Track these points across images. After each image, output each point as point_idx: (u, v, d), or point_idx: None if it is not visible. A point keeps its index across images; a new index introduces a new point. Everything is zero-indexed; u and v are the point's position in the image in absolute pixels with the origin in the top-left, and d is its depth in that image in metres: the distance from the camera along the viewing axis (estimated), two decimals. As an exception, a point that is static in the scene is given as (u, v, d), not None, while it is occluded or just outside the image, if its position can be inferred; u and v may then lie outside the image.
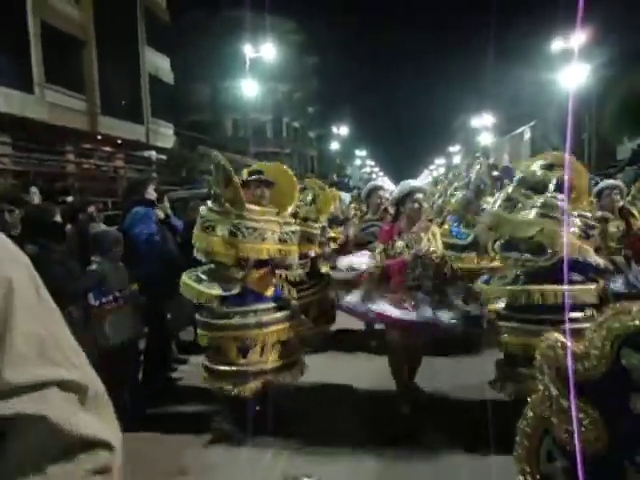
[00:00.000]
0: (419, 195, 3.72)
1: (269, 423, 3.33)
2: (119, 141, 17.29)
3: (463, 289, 3.58)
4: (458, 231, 4.92)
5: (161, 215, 4.13)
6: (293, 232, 3.62)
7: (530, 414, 1.40)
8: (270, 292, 3.54)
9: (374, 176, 64.02)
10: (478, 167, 5.79)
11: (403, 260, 3.54)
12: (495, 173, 5.36)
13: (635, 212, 4.70)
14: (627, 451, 1.25)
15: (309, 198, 4.79)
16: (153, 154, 19.77)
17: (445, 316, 3.39)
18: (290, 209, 3.78)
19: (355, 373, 4.35)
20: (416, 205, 3.67)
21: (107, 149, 17.14)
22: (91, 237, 3.70)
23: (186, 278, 3.38)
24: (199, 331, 3.56)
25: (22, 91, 12.78)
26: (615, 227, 4.25)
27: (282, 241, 3.50)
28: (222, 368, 3.38)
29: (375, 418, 3.63)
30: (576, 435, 1.27)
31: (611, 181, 4.98)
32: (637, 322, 1.23)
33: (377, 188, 5.23)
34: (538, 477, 1.38)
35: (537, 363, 1.42)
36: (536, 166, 3.49)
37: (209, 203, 3.51)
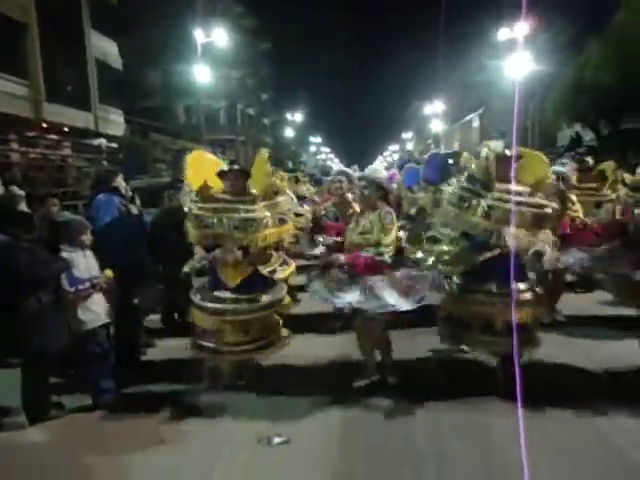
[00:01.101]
0: (363, 182, 3.88)
1: (244, 393, 3.72)
2: (66, 129, 16.66)
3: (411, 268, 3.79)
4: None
5: (135, 211, 4.22)
6: (251, 219, 3.67)
7: None
8: (235, 278, 3.71)
9: (329, 163, 64.32)
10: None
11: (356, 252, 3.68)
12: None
13: (573, 198, 5.14)
14: None
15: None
16: (103, 142, 19.16)
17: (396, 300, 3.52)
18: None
19: (322, 349, 4.63)
20: (365, 192, 3.83)
21: (53, 137, 16.49)
22: (59, 225, 3.72)
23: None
24: (194, 311, 3.80)
25: (-40, 76, 12.13)
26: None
27: (237, 228, 3.64)
28: (210, 345, 3.70)
29: (340, 386, 3.90)
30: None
31: (557, 168, 5.31)
32: None
33: (340, 173, 5.35)
34: None
35: None
36: (481, 162, 3.72)
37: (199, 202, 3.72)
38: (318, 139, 65.37)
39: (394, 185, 5.70)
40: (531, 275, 4.06)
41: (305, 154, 58.69)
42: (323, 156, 68.23)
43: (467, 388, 3.75)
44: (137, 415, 3.56)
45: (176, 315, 5.47)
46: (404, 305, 3.48)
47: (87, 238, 3.64)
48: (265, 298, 3.76)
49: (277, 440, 3.17)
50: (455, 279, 3.90)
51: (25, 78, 14.89)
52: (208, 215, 3.62)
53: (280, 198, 3.87)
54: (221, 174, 3.80)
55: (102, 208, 3.95)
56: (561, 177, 4.93)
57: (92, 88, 18.22)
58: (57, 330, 3.38)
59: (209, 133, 29.32)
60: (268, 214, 3.67)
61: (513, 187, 3.52)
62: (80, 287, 3.48)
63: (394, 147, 68.13)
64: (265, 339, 3.82)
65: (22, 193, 5.52)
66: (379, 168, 4.42)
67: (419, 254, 5.29)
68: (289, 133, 48.50)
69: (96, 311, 3.58)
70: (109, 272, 3.68)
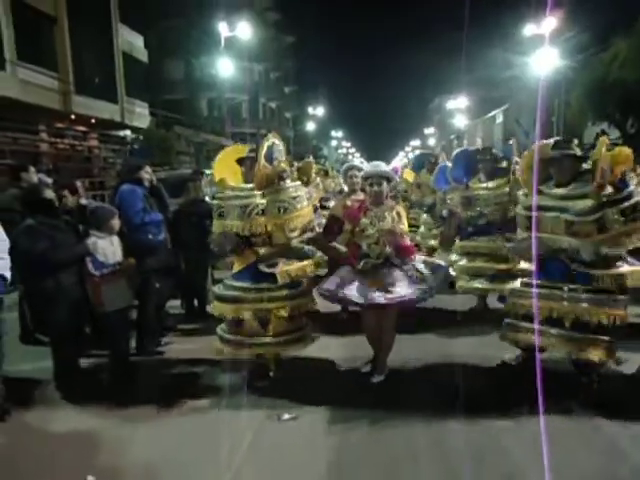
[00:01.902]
0: (379, 179, 3.85)
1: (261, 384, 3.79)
2: (93, 121, 17.10)
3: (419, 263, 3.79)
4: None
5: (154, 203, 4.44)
6: (287, 200, 3.68)
7: None
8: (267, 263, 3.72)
9: (350, 157, 64.20)
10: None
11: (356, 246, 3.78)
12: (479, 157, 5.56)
13: None
14: None
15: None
16: (128, 133, 19.60)
17: (406, 291, 3.59)
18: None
19: (334, 346, 4.67)
20: (375, 188, 3.83)
21: (81, 129, 16.95)
22: (88, 212, 3.96)
23: None
24: (215, 303, 3.85)
25: (-7, 68, 12.58)
26: None
27: (248, 215, 3.62)
28: (236, 338, 3.75)
29: (349, 380, 3.96)
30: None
31: None
32: None
33: (352, 167, 5.32)
34: None
35: None
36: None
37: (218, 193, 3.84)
38: (339, 133, 65.28)
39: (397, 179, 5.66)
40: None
41: (326, 148, 58.74)
42: (344, 150, 68.17)
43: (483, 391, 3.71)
44: (149, 394, 3.75)
45: (196, 302, 5.69)
46: (412, 293, 3.57)
47: (115, 224, 3.86)
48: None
49: (286, 417, 3.34)
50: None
51: (55, 70, 15.31)
52: (222, 205, 3.71)
53: (288, 185, 3.75)
54: (239, 161, 3.94)
55: (126, 198, 4.16)
56: None
57: (119, 81, 18.61)
58: (78, 310, 3.62)
59: (231, 126, 29.65)
60: (263, 201, 3.62)
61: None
62: (105, 271, 3.69)
63: (416, 142, 67.62)
64: (290, 334, 3.82)
65: (49, 180, 5.80)
66: (380, 163, 4.28)
67: (453, 256, 5.34)
68: (310, 127, 48.55)
69: (119, 294, 3.79)
70: (133, 260, 3.88)
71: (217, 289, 3.91)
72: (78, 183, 4.49)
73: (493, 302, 5.34)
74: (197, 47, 29.77)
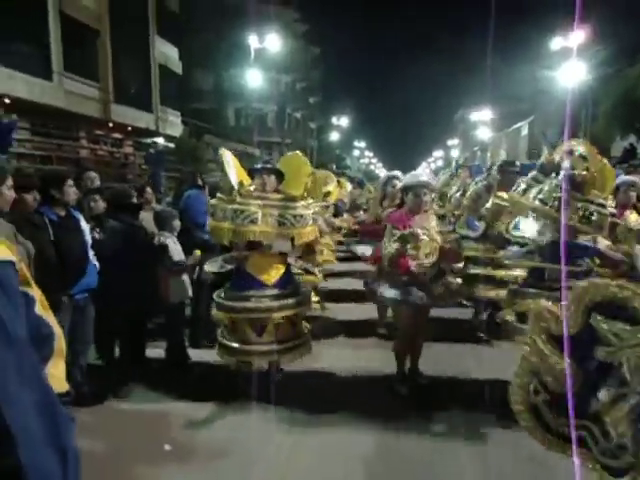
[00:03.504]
0: (422, 189, 3.91)
1: (276, 397, 3.70)
2: (129, 128, 17.84)
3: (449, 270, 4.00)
4: (472, 222, 5.22)
5: None
6: (296, 216, 3.65)
7: (523, 362, 1.88)
8: (271, 276, 3.69)
9: (372, 167, 64.49)
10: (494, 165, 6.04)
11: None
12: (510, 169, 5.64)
13: None
14: (592, 387, 1.69)
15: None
16: (160, 141, 20.31)
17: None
18: (298, 192, 3.80)
19: (364, 359, 4.71)
20: (417, 199, 3.89)
21: (118, 136, 17.70)
22: (154, 215, 4.38)
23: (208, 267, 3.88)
24: (215, 311, 3.82)
25: (42, 79, 13.33)
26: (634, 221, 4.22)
27: (281, 224, 3.59)
28: (235, 345, 3.70)
29: (376, 397, 3.94)
30: (568, 378, 1.70)
31: (629, 177, 4.91)
32: (599, 296, 1.71)
33: (394, 177, 5.36)
34: (526, 406, 1.87)
35: (530, 323, 1.85)
36: (557, 153, 3.68)
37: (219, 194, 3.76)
38: (362, 144, 65.71)
39: None
40: None
41: (349, 158, 59.15)
42: (366, 160, 68.53)
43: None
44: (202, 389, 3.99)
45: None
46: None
47: (177, 224, 4.28)
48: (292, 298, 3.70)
49: None
50: None
51: (96, 80, 16.09)
52: (222, 207, 3.58)
53: (300, 203, 3.74)
54: (251, 172, 3.84)
55: (193, 201, 4.61)
56: (634, 186, 4.55)
57: (154, 91, 19.37)
58: (147, 302, 4.02)
59: (258, 135, 30.31)
60: (267, 212, 3.57)
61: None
62: (174, 267, 4.13)
63: (439, 153, 67.62)
64: (291, 341, 3.75)
65: (97, 176, 6.13)
66: (420, 172, 4.42)
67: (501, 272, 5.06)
68: (334, 137, 49.10)
69: (182, 287, 4.21)
70: (198, 252, 4.28)
71: (216, 296, 3.82)
72: (148, 189, 4.92)
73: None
74: (226, 59, 30.57)
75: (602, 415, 1.66)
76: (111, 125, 16.96)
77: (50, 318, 1.16)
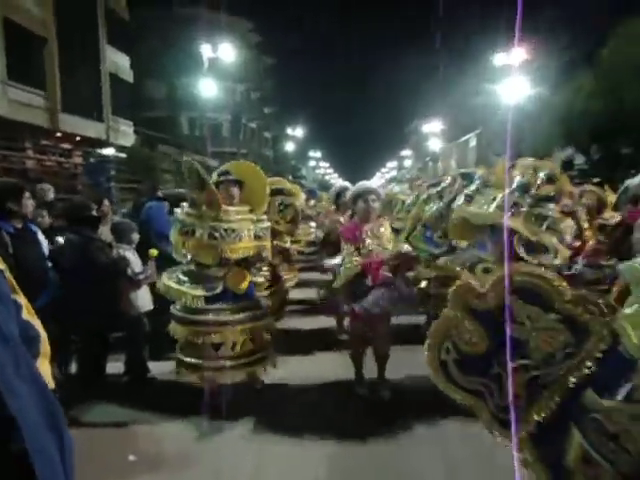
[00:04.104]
0: (370, 195, 3.99)
1: (239, 412, 3.65)
2: (78, 138, 17.32)
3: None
4: (430, 239, 5.14)
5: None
6: (266, 228, 3.76)
7: (439, 325, 2.08)
8: (244, 287, 3.67)
9: (327, 177, 65.11)
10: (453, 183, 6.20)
11: (382, 259, 3.81)
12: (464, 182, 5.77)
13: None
14: (497, 354, 1.94)
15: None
16: (112, 152, 19.82)
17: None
18: (263, 207, 3.85)
19: (326, 366, 4.75)
20: (365, 205, 3.95)
21: (66, 146, 17.15)
22: (112, 227, 4.33)
23: (167, 280, 3.56)
24: (173, 325, 3.70)
25: (-16, 87, 12.80)
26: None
27: (257, 237, 3.64)
28: (195, 361, 3.58)
29: (339, 403, 4.00)
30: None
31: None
32: (518, 279, 1.94)
33: (345, 189, 5.42)
34: (438, 363, 2.06)
35: (452, 294, 2.05)
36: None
37: (185, 208, 3.63)
38: (318, 154, 66.30)
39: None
40: None
41: (304, 168, 59.51)
42: (322, 171, 69.13)
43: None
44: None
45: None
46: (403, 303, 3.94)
47: (135, 237, 4.26)
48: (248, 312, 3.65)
49: None
50: None
51: (43, 89, 15.56)
52: (189, 221, 3.53)
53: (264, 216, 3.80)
54: (216, 185, 3.71)
55: (155, 213, 4.60)
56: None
57: (105, 99, 18.93)
58: (107, 315, 3.97)
59: (212, 145, 30.08)
60: (246, 226, 3.57)
61: None
62: (134, 280, 4.09)
63: (392, 164, 69.11)
64: (254, 355, 3.70)
65: (51, 188, 5.97)
66: (367, 182, 4.51)
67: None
68: (289, 147, 49.33)
69: (142, 299, 4.19)
70: (154, 251, 4.16)
71: (174, 310, 3.72)
72: (106, 202, 4.86)
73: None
74: (179, 68, 30.26)
75: (502, 378, 1.90)
76: (59, 135, 16.42)
77: (35, 322, 1.26)
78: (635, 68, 14.46)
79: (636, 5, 14.39)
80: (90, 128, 17.80)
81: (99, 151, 18.99)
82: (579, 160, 19.22)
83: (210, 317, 3.56)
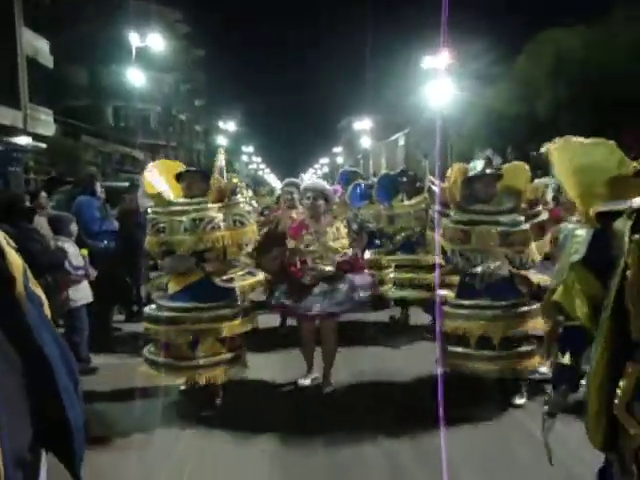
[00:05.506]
0: (317, 193, 4.01)
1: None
2: (-9, 126, 16.14)
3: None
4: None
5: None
6: (243, 214, 3.72)
7: None
8: (223, 278, 3.65)
9: (260, 173, 64.74)
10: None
11: (304, 259, 3.87)
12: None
13: None
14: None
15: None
16: (30, 141, 18.59)
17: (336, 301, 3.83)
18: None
19: (271, 365, 4.65)
20: (313, 202, 3.98)
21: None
22: (49, 219, 4.19)
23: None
24: (146, 324, 3.63)
25: None
26: None
27: (236, 224, 3.60)
28: (168, 361, 3.51)
29: (285, 401, 3.96)
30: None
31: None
32: None
33: (292, 184, 5.43)
34: None
35: None
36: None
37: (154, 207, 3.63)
38: (250, 149, 65.64)
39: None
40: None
41: (237, 163, 58.75)
42: (255, 166, 68.57)
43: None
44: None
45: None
46: (349, 304, 3.89)
47: (74, 229, 4.16)
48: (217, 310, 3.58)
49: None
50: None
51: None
52: (162, 220, 3.52)
53: (239, 199, 3.77)
54: (178, 177, 3.75)
55: (84, 208, 4.48)
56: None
57: (22, 85, 17.73)
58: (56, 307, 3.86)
59: (140, 137, 28.99)
60: (220, 215, 3.54)
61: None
62: (78, 272, 4.06)
63: (325, 160, 69.86)
64: (219, 355, 3.58)
65: None
66: (320, 180, 4.67)
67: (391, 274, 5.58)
68: (221, 141, 48.38)
69: (83, 292, 4.13)
70: (85, 251, 4.18)
71: (150, 310, 3.68)
72: (42, 193, 4.65)
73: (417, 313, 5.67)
74: (104, 55, 28.83)
75: None
76: (-31, 122, 15.22)
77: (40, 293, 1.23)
78: (546, 75, 15.74)
79: (552, 14, 15.64)
80: (5, 115, 16.61)
81: (13, 140, 17.75)
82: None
83: (186, 315, 3.52)
